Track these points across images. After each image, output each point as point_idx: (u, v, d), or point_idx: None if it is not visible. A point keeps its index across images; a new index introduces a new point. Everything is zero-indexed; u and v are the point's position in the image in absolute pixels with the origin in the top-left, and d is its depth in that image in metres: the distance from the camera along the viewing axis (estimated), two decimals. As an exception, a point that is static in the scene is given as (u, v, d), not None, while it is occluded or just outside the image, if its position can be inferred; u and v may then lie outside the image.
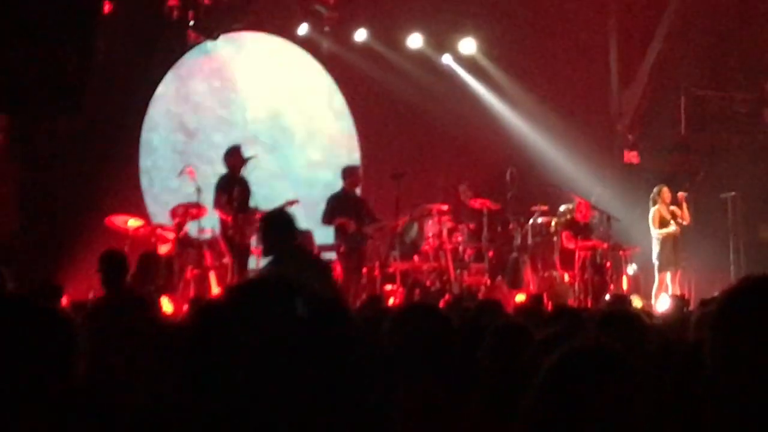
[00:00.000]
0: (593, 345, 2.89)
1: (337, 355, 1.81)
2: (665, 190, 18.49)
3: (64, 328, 3.26)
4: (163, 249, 16.42)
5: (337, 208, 16.97)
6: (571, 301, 17.04)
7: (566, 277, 18.26)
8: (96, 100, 17.57)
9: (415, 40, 21.26)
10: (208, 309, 1.90)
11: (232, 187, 15.88)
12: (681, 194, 18.47)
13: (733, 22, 22.06)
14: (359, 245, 17.00)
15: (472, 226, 19.05)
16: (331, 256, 18.03)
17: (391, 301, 16.10)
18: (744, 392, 1.88)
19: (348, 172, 17.57)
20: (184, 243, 16.32)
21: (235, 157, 16.32)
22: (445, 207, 18.56)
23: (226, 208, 15.71)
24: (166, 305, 14.22)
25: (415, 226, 18.96)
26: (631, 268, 18.97)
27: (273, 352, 1.77)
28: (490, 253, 18.72)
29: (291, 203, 16.56)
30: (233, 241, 15.74)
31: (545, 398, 2.77)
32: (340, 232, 16.94)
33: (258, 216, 16.05)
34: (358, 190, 17.81)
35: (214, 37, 19.37)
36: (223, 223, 15.91)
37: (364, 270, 17.38)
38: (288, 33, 21.06)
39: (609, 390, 2.71)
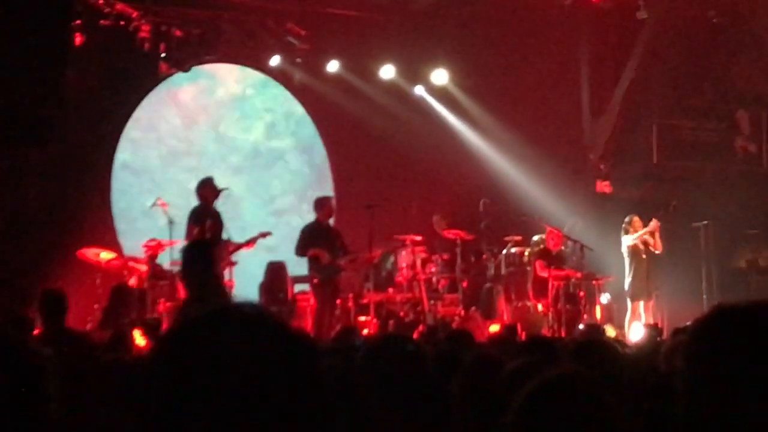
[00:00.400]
0: (568, 373, 2.88)
1: (306, 392, 1.77)
2: (636, 219, 18.55)
3: (35, 361, 3.22)
4: (132, 281, 16.34)
5: (310, 239, 16.91)
6: (545, 331, 17.05)
7: (540, 307, 18.27)
8: (68, 132, 17.54)
9: (387, 71, 21.28)
10: (168, 340, 1.85)
11: (205, 219, 15.82)
12: (654, 223, 18.51)
13: (704, 52, 22.18)
14: (333, 276, 16.93)
15: (445, 256, 19.06)
16: (304, 287, 18.03)
17: (365, 332, 16.05)
18: (716, 422, 1.86)
19: (320, 203, 17.51)
20: (157, 275, 16.25)
21: (207, 189, 16.27)
22: (418, 238, 18.56)
23: (198, 240, 15.66)
24: (139, 338, 14.12)
25: (392, 258, 18.96)
26: (605, 298, 18.99)
27: (240, 390, 1.73)
28: (464, 284, 18.74)
29: (263, 235, 16.54)
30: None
31: (521, 426, 2.76)
32: (314, 263, 16.87)
33: (231, 248, 16.03)
34: (331, 221, 17.76)
35: (186, 69, 19.34)
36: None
37: (338, 301, 17.33)
38: (260, 64, 21.06)
39: (583, 418, 2.70)
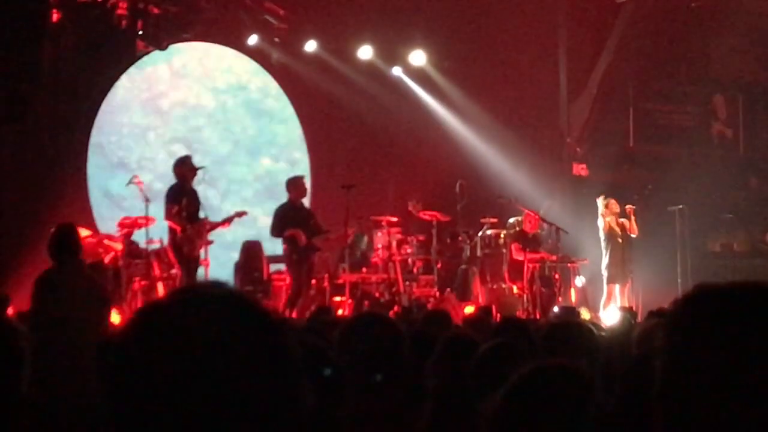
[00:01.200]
0: (558, 363, 2.89)
1: (279, 365, 1.77)
2: (612, 202, 18.57)
3: (12, 338, 3.21)
4: (107, 259, 16.30)
5: (284, 219, 16.85)
6: (520, 313, 17.08)
7: (515, 289, 18.32)
8: (43, 109, 17.46)
9: (365, 52, 21.24)
10: (147, 314, 1.85)
11: (182, 198, 15.75)
12: (629, 207, 18.56)
13: (681, 37, 22.23)
14: (308, 256, 16.90)
15: (421, 237, 19.07)
16: (280, 267, 18.01)
17: (340, 312, 16.06)
18: (694, 401, 1.86)
19: (293, 183, 17.39)
20: (132, 254, 16.20)
21: (185, 168, 16.16)
22: (394, 219, 18.56)
23: (176, 219, 15.58)
24: (114, 316, 14.11)
25: (365, 238, 18.94)
26: (580, 280, 19.04)
27: (210, 363, 1.73)
28: (439, 265, 18.74)
29: (239, 215, 16.48)
30: (182, 251, 15.60)
31: (508, 412, 2.76)
32: (289, 243, 16.81)
33: (207, 227, 15.98)
34: (305, 201, 17.70)
35: (163, 47, 19.26)
36: (172, 233, 15.76)
37: (314, 281, 17.33)
38: (238, 43, 20.98)
39: (570, 407, 2.72)
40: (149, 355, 1.72)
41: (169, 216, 15.64)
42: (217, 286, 1.84)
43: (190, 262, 15.74)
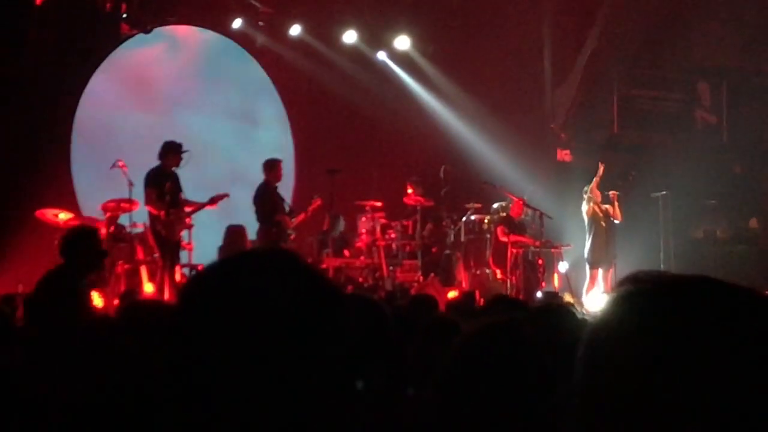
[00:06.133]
0: (496, 321, 2.89)
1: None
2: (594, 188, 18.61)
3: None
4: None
5: (269, 203, 16.81)
6: (503, 298, 17.07)
7: (498, 274, 18.35)
8: (27, 91, 17.39)
9: (349, 36, 21.23)
10: (192, 286, 1.86)
11: (164, 182, 15.70)
12: (613, 193, 18.59)
13: (665, 23, 22.24)
14: (287, 239, 16.85)
15: (405, 222, 19.09)
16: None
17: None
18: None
19: (271, 165, 17.29)
20: (116, 237, 16.17)
21: (170, 152, 16.08)
22: (378, 203, 18.57)
23: (158, 204, 15.54)
24: (97, 299, 14.08)
25: (341, 220, 18.91)
26: (563, 266, 19.08)
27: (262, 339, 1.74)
28: (423, 250, 18.76)
29: (221, 197, 16.42)
30: (161, 236, 15.56)
31: (456, 370, 2.77)
32: (278, 227, 16.75)
33: (189, 209, 15.96)
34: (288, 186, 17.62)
35: (148, 30, 19.21)
36: (152, 218, 15.73)
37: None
38: (222, 27, 20.94)
39: (512, 362, 2.72)
40: (212, 312, 1.73)
41: (149, 201, 15.61)
42: (277, 250, 1.87)
43: (172, 246, 15.70)
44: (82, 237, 9.14)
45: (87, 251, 8.98)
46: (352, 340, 1.82)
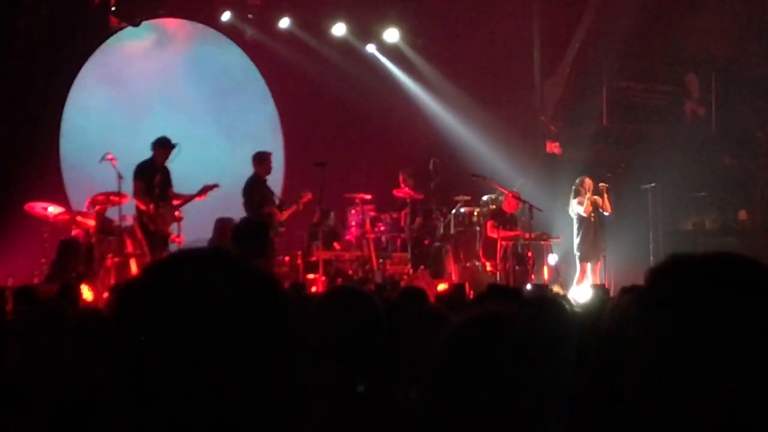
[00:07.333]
0: (485, 312, 2.89)
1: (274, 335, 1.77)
2: (587, 180, 18.58)
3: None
4: (80, 235, 16.24)
5: (259, 195, 16.79)
6: (493, 291, 17.07)
7: (488, 267, 18.36)
8: (16, 84, 17.35)
9: (339, 29, 21.22)
10: (126, 290, 1.84)
11: (153, 175, 15.69)
12: (602, 185, 18.58)
13: (655, 14, 22.22)
14: (277, 232, 16.83)
15: (395, 215, 19.08)
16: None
17: (313, 289, 16.07)
18: (666, 379, 1.87)
19: (261, 158, 17.26)
20: (105, 230, 16.15)
21: (162, 146, 16.06)
22: (368, 196, 18.57)
23: (145, 198, 15.54)
24: (86, 293, 14.09)
25: (331, 214, 18.89)
26: (552, 258, 19.09)
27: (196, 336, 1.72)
28: (412, 243, 18.77)
29: (210, 188, 16.40)
30: (148, 229, 15.54)
31: (442, 365, 2.77)
32: (268, 220, 16.72)
33: (177, 202, 15.94)
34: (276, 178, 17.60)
35: (137, 23, 19.17)
36: (139, 212, 15.72)
37: (287, 258, 17.31)
38: (211, 19, 20.91)
39: (500, 354, 2.72)
40: (148, 320, 1.71)
41: (137, 194, 15.61)
42: (216, 251, 1.84)
43: (160, 240, 15.69)
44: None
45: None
46: (298, 339, 1.81)
